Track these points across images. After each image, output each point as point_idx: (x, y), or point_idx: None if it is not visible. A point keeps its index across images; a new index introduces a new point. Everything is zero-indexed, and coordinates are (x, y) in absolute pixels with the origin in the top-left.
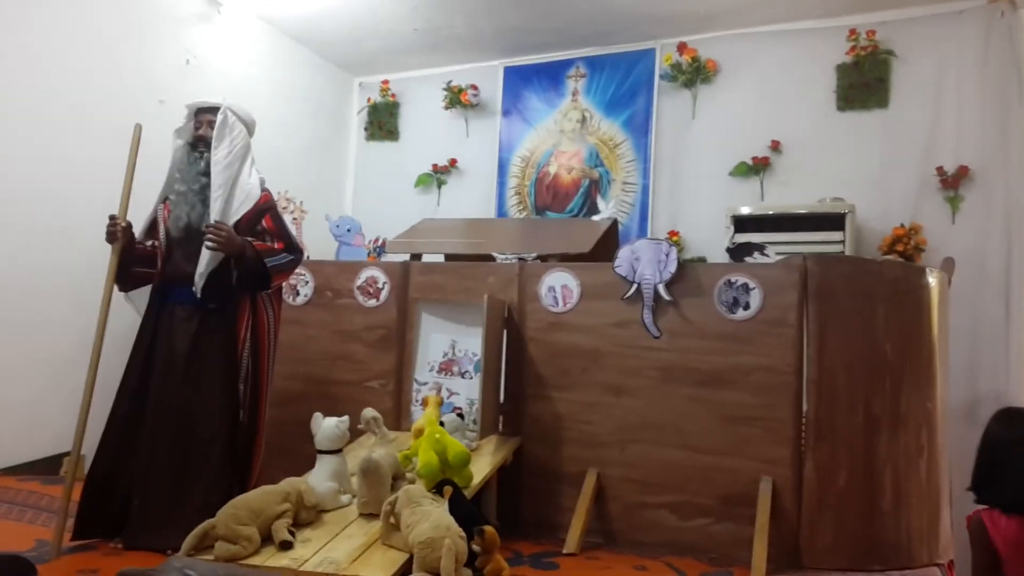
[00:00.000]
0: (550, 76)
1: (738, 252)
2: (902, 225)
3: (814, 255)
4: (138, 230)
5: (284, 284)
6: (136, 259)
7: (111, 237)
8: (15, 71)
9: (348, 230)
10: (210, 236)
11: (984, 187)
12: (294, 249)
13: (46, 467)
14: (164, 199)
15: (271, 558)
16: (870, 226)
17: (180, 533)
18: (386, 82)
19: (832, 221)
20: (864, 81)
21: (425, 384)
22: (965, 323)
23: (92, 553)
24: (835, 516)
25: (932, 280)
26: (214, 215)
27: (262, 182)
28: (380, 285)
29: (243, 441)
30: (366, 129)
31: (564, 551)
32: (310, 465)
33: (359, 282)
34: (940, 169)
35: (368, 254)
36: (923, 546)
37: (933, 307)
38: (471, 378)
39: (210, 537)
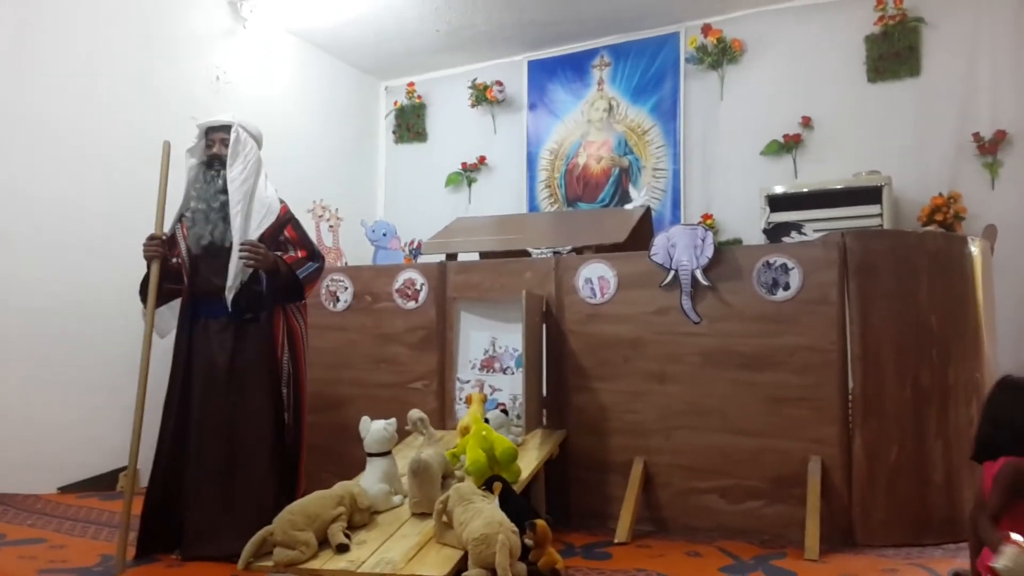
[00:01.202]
0: (574, 67)
1: (775, 232)
2: (940, 194)
3: (852, 231)
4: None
5: (314, 291)
6: (166, 275)
7: (151, 254)
8: (52, 97)
9: (384, 234)
10: (247, 255)
11: (1023, 149)
12: (316, 256)
13: (103, 483)
14: (180, 218)
15: (329, 561)
16: (908, 197)
17: (234, 540)
18: (412, 84)
19: (869, 195)
20: (894, 51)
21: (468, 382)
22: (1011, 289)
23: (154, 566)
24: (887, 492)
25: (974, 249)
26: (236, 230)
27: (276, 193)
28: (418, 287)
29: (290, 442)
30: (394, 132)
31: (615, 540)
32: (359, 468)
33: (397, 285)
34: (976, 135)
35: (404, 256)
36: None
37: (977, 276)
38: (513, 374)
39: (268, 544)
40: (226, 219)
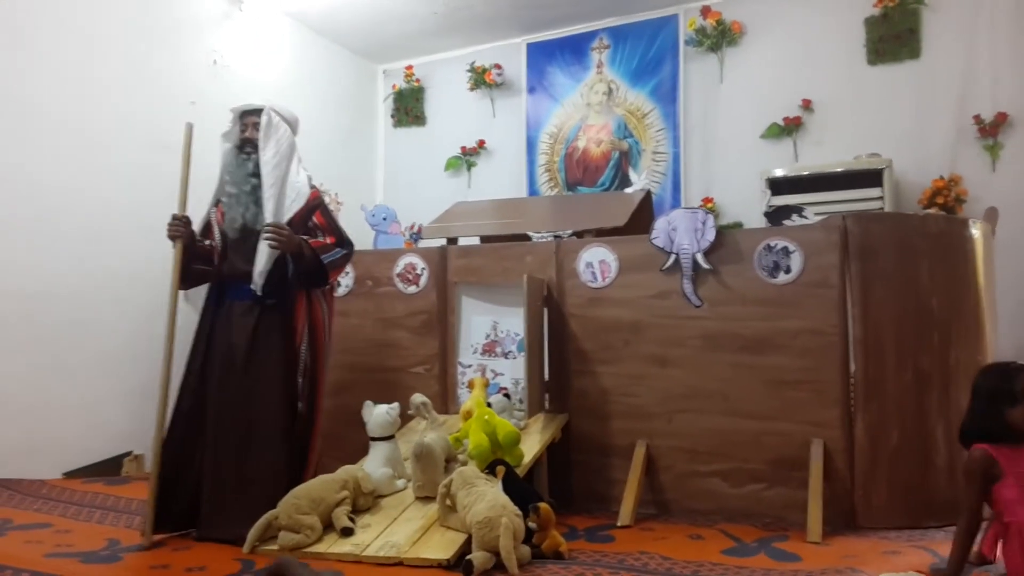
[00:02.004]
0: (573, 49)
1: (776, 216)
2: (941, 177)
3: (853, 214)
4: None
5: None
6: (195, 256)
7: (173, 233)
8: (50, 83)
9: (384, 218)
10: (271, 236)
11: None
12: (345, 243)
13: (108, 468)
14: (216, 201)
15: (334, 545)
16: (908, 180)
17: (246, 523)
18: (410, 67)
19: (869, 178)
20: (894, 33)
21: (469, 367)
22: (1012, 272)
23: (162, 549)
24: (888, 475)
25: (976, 231)
26: (268, 215)
27: (309, 179)
28: (419, 271)
29: (302, 432)
30: (393, 116)
31: (618, 524)
32: (361, 452)
33: (398, 269)
34: (977, 117)
35: (405, 241)
36: None
37: (978, 258)
38: (514, 358)
39: (273, 528)
40: (257, 202)
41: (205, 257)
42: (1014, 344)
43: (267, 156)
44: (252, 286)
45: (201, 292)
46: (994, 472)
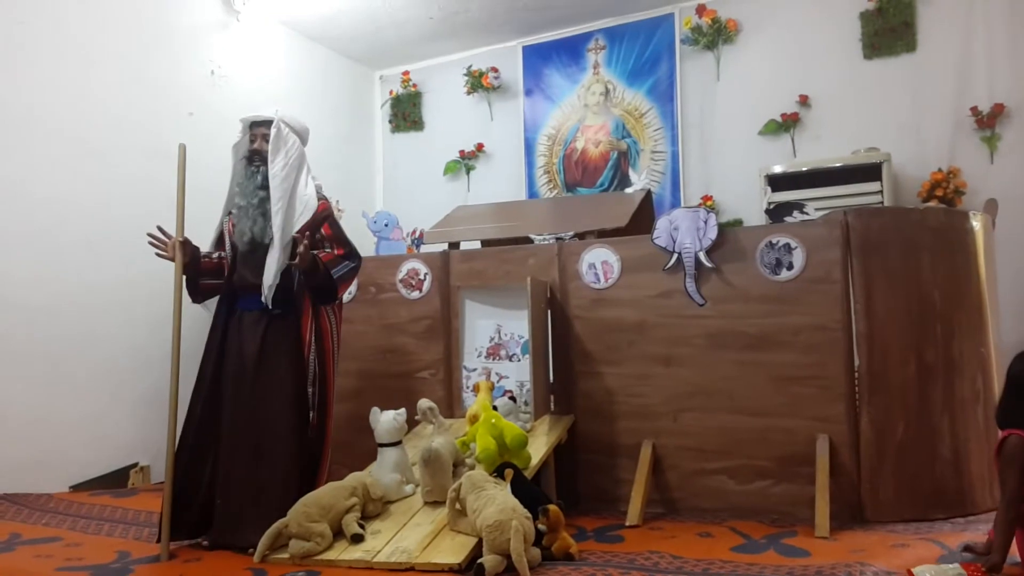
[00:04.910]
0: (569, 51)
1: (777, 212)
2: (940, 170)
3: (854, 209)
4: (206, 243)
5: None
6: (203, 272)
7: (162, 255)
8: (48, 94)
9: (386, 225)
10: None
11: (1021, 123)
12: (354, 255)
13: (114, 480)
14: (228, 213)
15: (344, 552)
16: (907, 174)
17: (258, 530)
18: (407, 73)
19: (868, 172)
20: (889, 27)
21: (474, 370)
22: (1012, 263)
23: (174, 561)
24: (895, 469)
25: (976, 224)
26: (276, 228)
27: (319, 189)
28: (422, 276)
29: (314, 441)
30: (391, 121)
31: (627, 523)
32: (369, 458)
33: (401, 275)
34: (974, 109)
35: (407, 246)
36: (985, 492)
37: (979, 251)
38: (519, 361)
39: (283, 536)
40: (265, 215)
41: (213, 271)
42: (1016, 335)
43: (275, 169)
44: (263, 299)
45: (215, 300)
46: None
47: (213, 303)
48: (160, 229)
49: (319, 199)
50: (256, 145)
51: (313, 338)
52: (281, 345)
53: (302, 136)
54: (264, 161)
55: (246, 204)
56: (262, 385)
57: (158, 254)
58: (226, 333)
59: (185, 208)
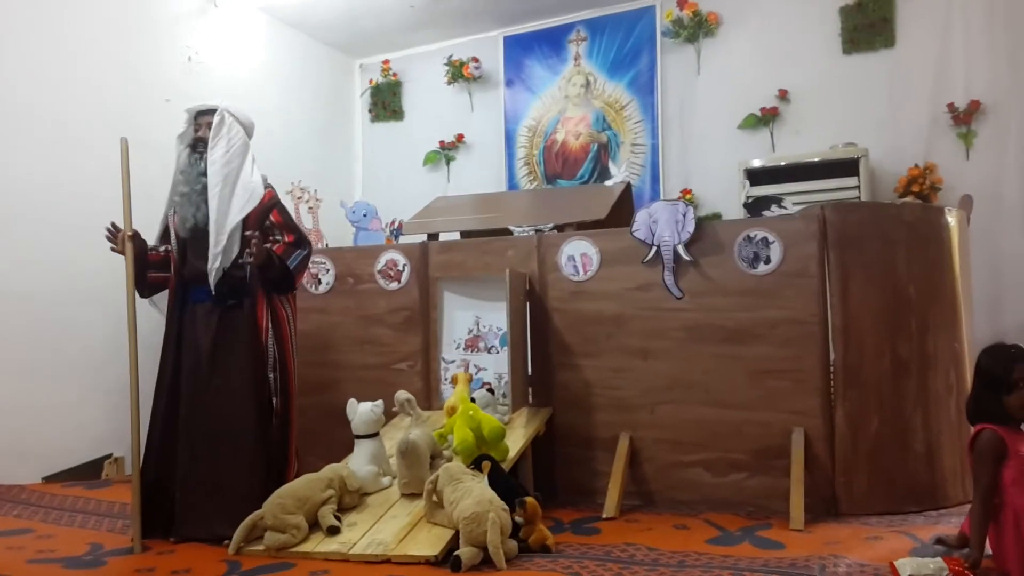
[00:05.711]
0: (550, 42)
1: (756, 206)
2: (916, 165)
3: (831, 204)
4: (153, 235)
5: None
6: (150, 265)
7: (115, 248)
8: (25, 80)
9: (364, 215)
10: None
11: (997, 120)
12: (304, 242)
13: (88, 472)
14: (171, 204)
15: (320, 544)
16: (884, 169)
17: (225, 522)
18: (387, 62)
19: (846, 167)
20: (869, 22)
21: (452, 362)
22: (986, 258)
23: (147, 553)
24: (869, 462)
25: (951, 219)
26: (213, 213)
27: (264, 179)
28: (400, 267)
29: (278, 427)
30: (370, 111)
31: (604, 516)
32: (345, 450)
33: (379, 266)
34: (951, 105)
35: (386, 237)
36: (957, 485)
37: (954, 246)
38: (497, 353)
39: (259, 528)
40: (208, 202)
41: (159, 265)
42: (990, 330)
43: (216, 155)
44: (209, 285)
45: (166, 296)
46: (1002, 452)
47: (163, 301)
48: (112, 224)
49: (265, 187)
50: (200, 133)
51: (270, 324)
52: (237, 334)
53: (247, 128)
54: (207, 148)
55: (189, 191)
56: (219, 376)
57: (112, 248)
58: (181, 326)
59: (131, 200)
